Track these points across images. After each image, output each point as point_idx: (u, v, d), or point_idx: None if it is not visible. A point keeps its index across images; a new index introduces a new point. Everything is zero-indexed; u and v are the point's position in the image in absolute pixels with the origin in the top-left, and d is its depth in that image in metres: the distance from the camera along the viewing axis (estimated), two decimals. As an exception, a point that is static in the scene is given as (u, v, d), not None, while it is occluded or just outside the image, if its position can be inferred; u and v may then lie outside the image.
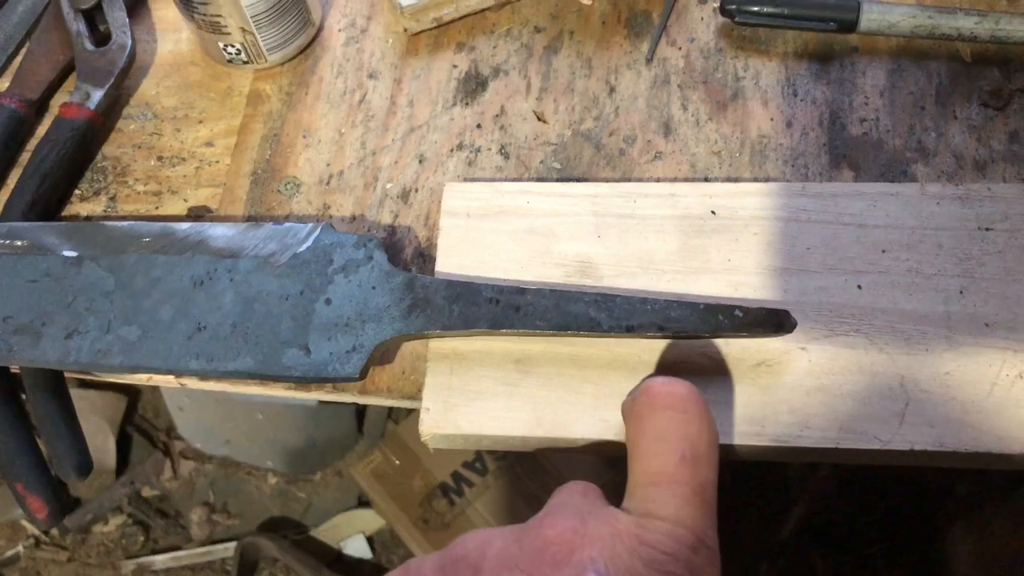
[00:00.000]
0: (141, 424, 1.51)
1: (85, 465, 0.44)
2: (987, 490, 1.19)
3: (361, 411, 1.46)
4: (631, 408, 0.36)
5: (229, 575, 1.42)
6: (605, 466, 1.31)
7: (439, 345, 0.43)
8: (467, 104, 0.51)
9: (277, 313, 0.43)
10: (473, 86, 0.52)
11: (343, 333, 0.42)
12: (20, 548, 1.45)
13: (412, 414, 1.38)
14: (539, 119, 0.50)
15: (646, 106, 0.50)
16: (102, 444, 1.45)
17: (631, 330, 0.40)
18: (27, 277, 0.45)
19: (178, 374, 0.45)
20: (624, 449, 0.36)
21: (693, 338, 0.41)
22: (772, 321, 0.40)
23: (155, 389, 1.38)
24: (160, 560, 1.44)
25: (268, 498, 1.48)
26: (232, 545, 1.42)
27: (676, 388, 0.35)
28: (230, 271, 0.44)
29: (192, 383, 0.46)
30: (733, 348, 0.41)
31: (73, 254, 0.45)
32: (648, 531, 0.31)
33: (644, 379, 0.38)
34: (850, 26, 0.49)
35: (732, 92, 0.50)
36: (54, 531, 1.48)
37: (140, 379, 0.47)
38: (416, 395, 0.45)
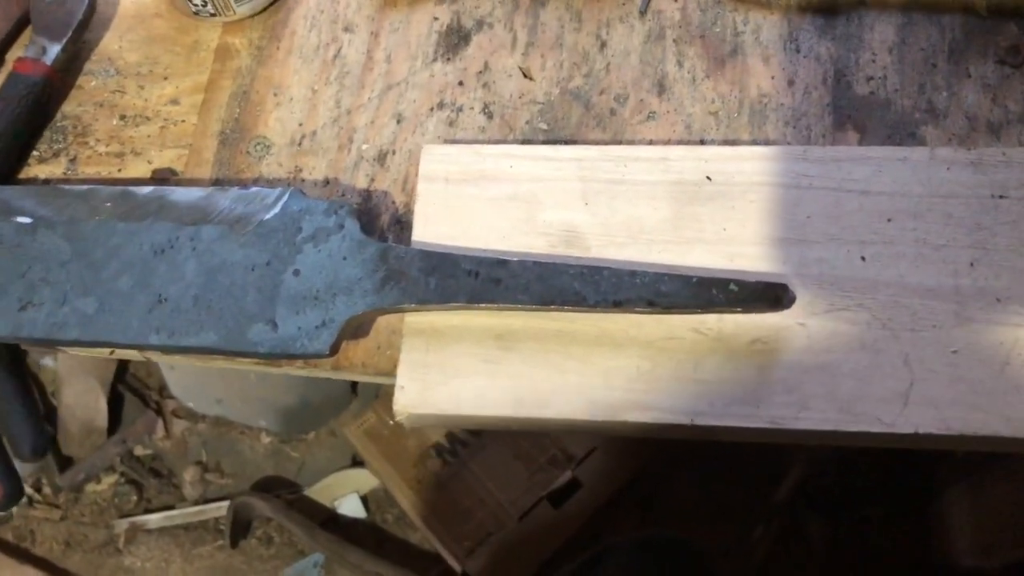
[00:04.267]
0: (133, 383, 1.49)
1: (41, 446, 0.42)
2: (985, 454, 1.18)
3: (355, 371, 1.44)
4: None
5: (222, 534, 1.42)
6: (601, 428, 1.30)
7: (415, 320, 0.41)
8: (448, 60, 0.48)
9: (242, 284, 0.41)
10: (455, 40, 0.48)
11: (312, 307, 0.40)
12: (13, 508, 1.45)
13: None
14: (525, 76, 0.47)
15: (639, 62, 0.47)
16: (94, 403, 1.44)
17: (619, 305, 0.38)
18: (-22, 245, 0.43)
19: (138, 349, 0.42)
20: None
21: (684, 313, 0.38)
22: (769, 295, 0.37)
23: (145, 348, 1.37)
24: (153, 519, 1.44)
25: (261, 458, 1.48)
26: (225, 504, 1.42)
27: None
28: (192, 239, 0.42)
29: (156, 356, 0.44)
30: (727, 324, 0.39)
31: (27, 220, 0.43)
32: None
33: None
34: (858, -24, 0.46)
35: (731, 48, 0.46)
36: (47, 490, 1.47)
37: (102, 353, 0.44)
38: (392, 371, 0.42)
